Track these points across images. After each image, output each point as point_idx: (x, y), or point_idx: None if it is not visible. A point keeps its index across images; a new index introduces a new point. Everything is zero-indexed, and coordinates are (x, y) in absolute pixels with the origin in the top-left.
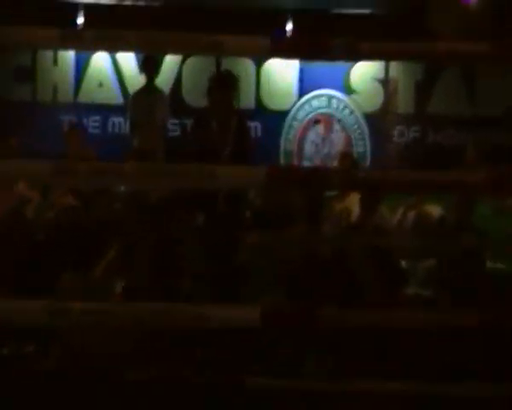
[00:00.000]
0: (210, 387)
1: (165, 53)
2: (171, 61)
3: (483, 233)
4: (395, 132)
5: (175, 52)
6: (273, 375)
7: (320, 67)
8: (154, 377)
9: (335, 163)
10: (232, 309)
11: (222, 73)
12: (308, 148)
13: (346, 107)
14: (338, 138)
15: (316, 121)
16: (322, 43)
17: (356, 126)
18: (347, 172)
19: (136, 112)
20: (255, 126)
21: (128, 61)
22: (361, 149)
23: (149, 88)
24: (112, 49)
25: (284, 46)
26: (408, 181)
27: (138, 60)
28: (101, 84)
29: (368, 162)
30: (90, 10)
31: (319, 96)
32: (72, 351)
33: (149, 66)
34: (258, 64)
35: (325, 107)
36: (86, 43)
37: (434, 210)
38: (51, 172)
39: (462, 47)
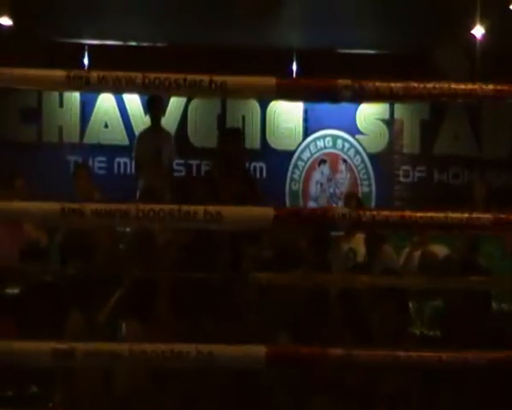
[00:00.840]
0: None
1: (170, 95)
2: (176, 102)
3: (488, 273)
4: (400, 172)
5: (180, 94)
6: None
7: (325, 107)
8: None
9: (341, 203)
10: (237, 348)
11: None
12: (313, 188)
13: (351, 147)
14: (343, 178)
15: (321, 162)
16: (328, 84)
17: (361, 166)
18: (353, 213)
19: (142, 152)
20: (260, 167)
21: (134, 101)
22: (366, 190)
23: (155, 128)
24: (117, 90)
25: (289, 88)
26: (414, 221)
27: (144, 100)
28: (106, 125)
29: (373, 202)
30: (95, 51)
31: (324, 136)
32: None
33: (155, 106)
34: (264, 104)
35: (330, 147)
36: (92, 85)
37: (440, 250)
38: (58, 213)
39: (469, 87)
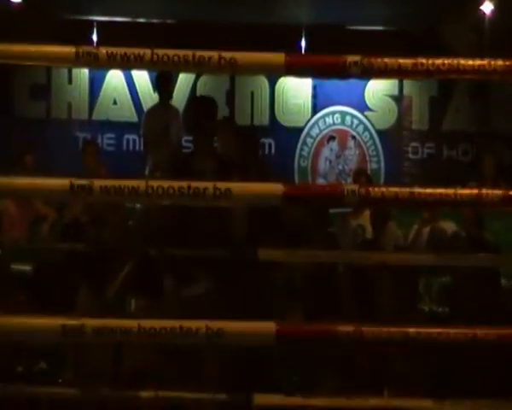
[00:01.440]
0: (218, 406)
1: (179, 71)
2: (185, 78)
3: (496, 249)
4: (409, 149)
5: (189, 70)
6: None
7: (334, 83)
8: (163, 396)
9: (350, 180)
10: (247, 325)
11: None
12: (322, 164)
13: (360, 123)
14: (352, 155)
15: (330, 138)
16: (337, 60)
17: (370, 143)
18: (362, 189)
19: (150, 128)
20: (269, 143)
21: (143, 78)
22: (375, 166)
23: (163, 105)
24: (126, 66)
25: (298, 64)
26: (423, 197)
27: (153, 77)
28: (115, 102)
29: (382, 179)
30: (104, 28)
31: (333, 112)
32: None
33: (163, 83)
34: (272, 81)
35: (339, 123)
36: (101, 61)
37: (449, 226)
38: (67, 189)
39: (477, 63)
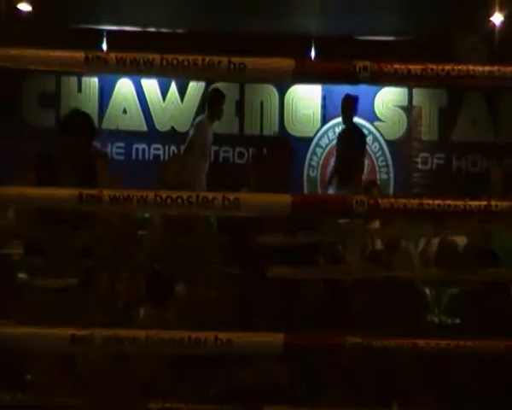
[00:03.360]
0: None
1: (189, 76)
2: (195, 88)
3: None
4: (419, 160)
5: (198, 75)
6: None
7: (343, 94)
8: (172, 407)
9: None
10: (255, 336)
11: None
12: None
13: (369, 134)
14: None
15: None
16: (346, 66)
17: (379, 154)
18: (371, 200)
19: (205, 139)
20: None
21: (152, 87)
22: (384, 177)
23: (209, 122)
24: (135, 71)
25: (308, 69)
26: (432, 208)
27: (162, 86)
28: (125, 111)
29: (391, 189)
30: (114, 37)
31: None
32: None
33: (217, 101)
34: (282, 91)
35: None
36: (110, 65)
37: (458, 237)
38: (76, 199)
39: (487, 69)
